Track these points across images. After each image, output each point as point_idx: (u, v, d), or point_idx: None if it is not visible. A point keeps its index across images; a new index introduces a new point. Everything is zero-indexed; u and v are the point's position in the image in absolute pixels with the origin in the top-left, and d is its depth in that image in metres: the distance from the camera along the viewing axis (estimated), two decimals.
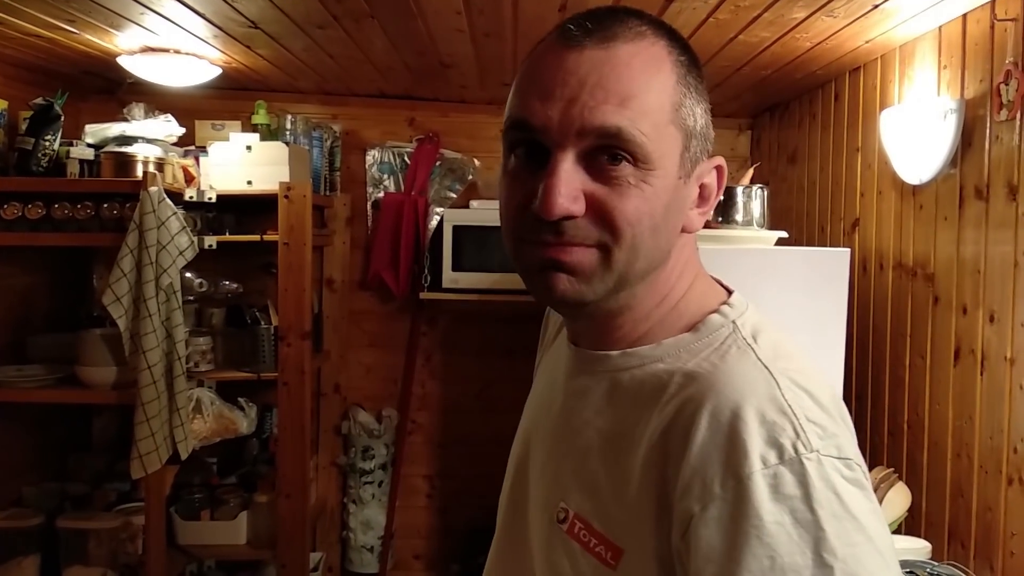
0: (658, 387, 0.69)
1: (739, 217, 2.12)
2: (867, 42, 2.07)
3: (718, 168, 0.75)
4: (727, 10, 1.85)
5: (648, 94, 0.67)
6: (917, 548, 1.71)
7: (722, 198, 2.14)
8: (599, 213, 0.67)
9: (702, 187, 0.74)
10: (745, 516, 0.59)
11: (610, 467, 0.70)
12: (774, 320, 0.76)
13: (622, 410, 0.71)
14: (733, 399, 0.63)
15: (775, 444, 0.60)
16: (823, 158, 2.59)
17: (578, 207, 0.67)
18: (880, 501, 1.80)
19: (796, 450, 0.60)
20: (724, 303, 0.74)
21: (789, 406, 0.62)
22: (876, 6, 1.77)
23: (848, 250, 2.03)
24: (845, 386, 2.03)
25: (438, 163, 3.17)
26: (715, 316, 0.73)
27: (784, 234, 2.13)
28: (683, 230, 0.73)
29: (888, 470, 1.84)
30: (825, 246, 2.48)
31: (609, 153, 0.67)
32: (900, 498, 1.79)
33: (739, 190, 2.14)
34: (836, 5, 1.77)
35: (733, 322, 0.72)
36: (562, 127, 0.67)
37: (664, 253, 0.72)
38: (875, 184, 2.23)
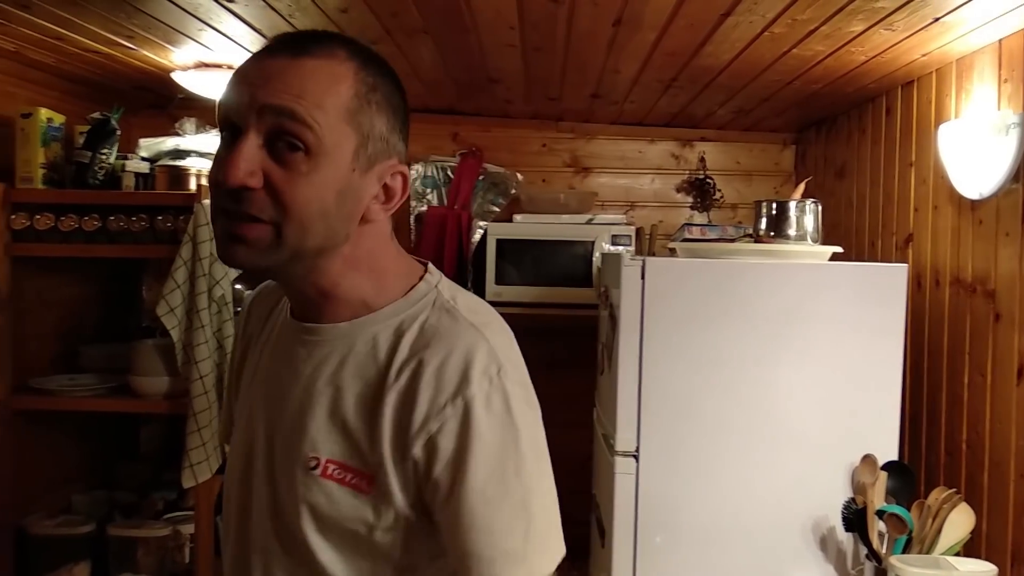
0: (392, 346, 0.87)
1: (792, 232, 2.10)
2: (923, 55, 2.05)
3: (402, 174, 0.89)
4: (783, 24, 1.84)
5: (324, 96, 0.81)
6: (983, 571, 1.67)
7: (774, 212, 2.15)
8: (274, 192, 0.80)
9: (385, 187, 0.88)
10: (469, 424, 0.82)
11: (361, 415, 0.86)
12: None
13: (362, 368, 0.87)
14: (457, 348, 0.85)
15: (487, 375, 0.84)
16: (873, 173, 2.56)
17: (255, 181, 0.79)
18: (943, 522, 1.76)
19: (500, 379, 0.85)
20: (423, 274, 0.93)
21: (493, 349, 0.86)
22: (937, 19, 1.75)
23: (905, 266, 2.00)
24: (902, 404, 1.99)
25: (481, 177, 3.18)
26: (420, 284, 0.92)
27: (839, 249, 2.11)
28: (364, 219, 0.87)
29: (950, 491, 1.80)
30: (876, 261, 2.45)
31: (288, 141, 0.80)
32: (964, 519, 1.75)
33: (791, 204, 2.12)
34: (896, 18, 1.75)
35: (436, 287, 0.92)
36: (247, 107, 0.80)
37: (339, 235, 0.85)
38: (930, 199, 2.20)
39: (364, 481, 0.85)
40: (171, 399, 2.38)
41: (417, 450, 0.83)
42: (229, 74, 2.70)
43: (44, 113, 2.40)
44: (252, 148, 0.79)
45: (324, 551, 0.87)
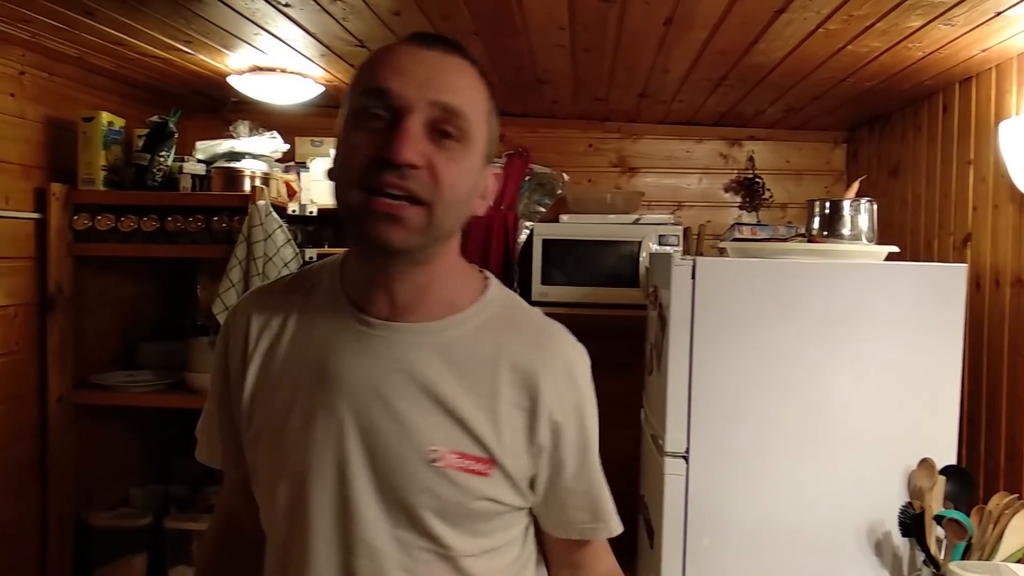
0: (495, 343, 0.95)
1: (846, 231, 2.07)
2: (983, 51, 2.00)
3: (495, 175, 0.97)
4: (839, 20, 1.81)
5: (475, 94, 0.91)
6: None
7: (828, 211, 2.12)
8: (432, 172, 0.86)
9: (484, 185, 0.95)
10: (584, 412, 0.98)
11: (477, 405, 0.92)
12: None
13: (467, 364, 0.93)
14: (561, 346, 0.99)
15: (587, 371, 1.00)
16: (929, 171, 2.51)
17: (422, 160, 0.85)
18: (1004, 528, 1.72)
19: (590, 373, 1.01)
20: (484, 274, 1.02)
21: (579, 346, 1.00)
22: (999, 13, 1.71)
23: (965, 266, 1.95)
24: (960, 407, 1.94)
25: (527, 178, 3.19)
26: (491, 285, 1.00)
27: (895, 249, 2.07)
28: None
29: (1012, 496, 1.76)
30: (933, 261, 2.40)
31: (443, 129, 0.87)
32: None
33: (846, 203, 2.08)
34: (956, 13, 1.72)
35: (501, 288, 1.01)
36: (415, 96, 0.86)
37: (461, 223, 0.93)
38: (990, 198, 2.15)
39: (483, 465, 0.92)
40: None
41: (544, 435, 0.94)
42: (283, 78, 2.71)
43: (105, 117, 2.47)
44: (418, 130, 0.85)
45: (451, 536, 0.92)
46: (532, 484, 0.97)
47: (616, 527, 1.04)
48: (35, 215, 2.38)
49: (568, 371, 0.97)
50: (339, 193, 0.89)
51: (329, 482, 0.92)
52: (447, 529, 0.92)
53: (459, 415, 0.92)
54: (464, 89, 0.89)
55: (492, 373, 0.93)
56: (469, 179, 0.90)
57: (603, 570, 1.07)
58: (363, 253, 0.94)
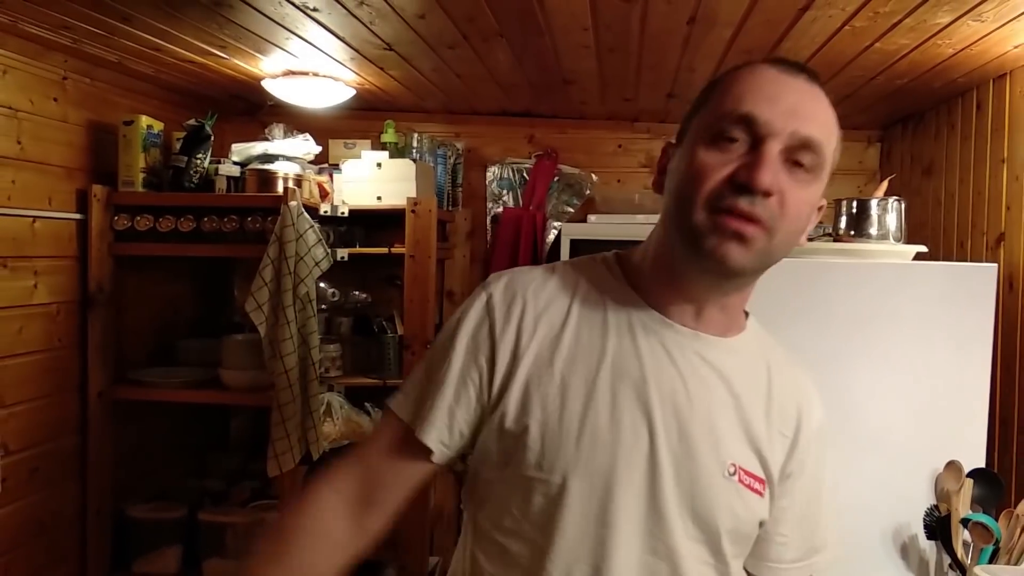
0: (767, 366, 0.99)
1: (873, 231, 2.04)
2: (1016, 47, 1.97)
3: (821, 208, 0.96)
4: (864, 17, 1.80)
5: (832, 131, 0.90)
6: None
7: (855, 210, 2.09)
8: (781, 200, 0.86)
9: None
10: (823, 447, 1.03)
11: (762, 423, 0.96)
12: None
13: (753, 382, 0.97)
14: (806, 379, 1.04)
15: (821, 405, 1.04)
16: (963, 170, 2.47)
17: (776, 188, 0.85)
18: None
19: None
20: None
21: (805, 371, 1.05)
22: None
23: (995, 266, 1.92)
24: (990, 409, 1.91)
25: (556, 178, 3.21)
26: (750, 316, 1.04)
27: (923, 248, 2.04)
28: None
29: None
30: (965, 261, 2.36)
31: (798, 159, 0.87)
32: None
33: (873, 203, 2.06)
34: (985, 8, 1.69)
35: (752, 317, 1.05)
36: (780, 127, 0.86)
37: (788, 253, 0.91)
38: (1023, 197, 2.11)
39: (760, 484, 0.95)
40: (257, 392, 2.49)
41: (796, 460, 0.99)
42: (315, 81, 2.76)
43: (144, 120, 2.55)
44: (777, 159, 0.86)
45: (732, 555, 0.95)
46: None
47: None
48: (77, 216, 2.47)
49: (815, 398, 1.02)
50: (680, 208, 0.88)
51: (638, 483, 0.90)
52: (733, 551, 0.95)
53: (751, 431, 0.95)
54: (825, 123, 0.89)
55: (768, 392, 0.97)
56: (809, 209, 0.90)
57: None
58: (696, 268, 0.90)
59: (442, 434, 0.95)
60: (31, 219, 2.28)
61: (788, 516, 1.00)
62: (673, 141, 0.97)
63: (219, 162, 2.63)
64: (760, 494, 0.95)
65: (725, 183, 0.85)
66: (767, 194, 0.84)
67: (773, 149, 0.85)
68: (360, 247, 2.80)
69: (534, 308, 0.95)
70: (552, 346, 0.93)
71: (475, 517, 0.99)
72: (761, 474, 0.95)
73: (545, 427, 0.91)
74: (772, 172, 0.84)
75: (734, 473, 0.92)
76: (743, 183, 0.84)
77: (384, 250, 2.74)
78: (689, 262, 0.90)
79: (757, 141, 0.86)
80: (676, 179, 0.91)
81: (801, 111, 0.87)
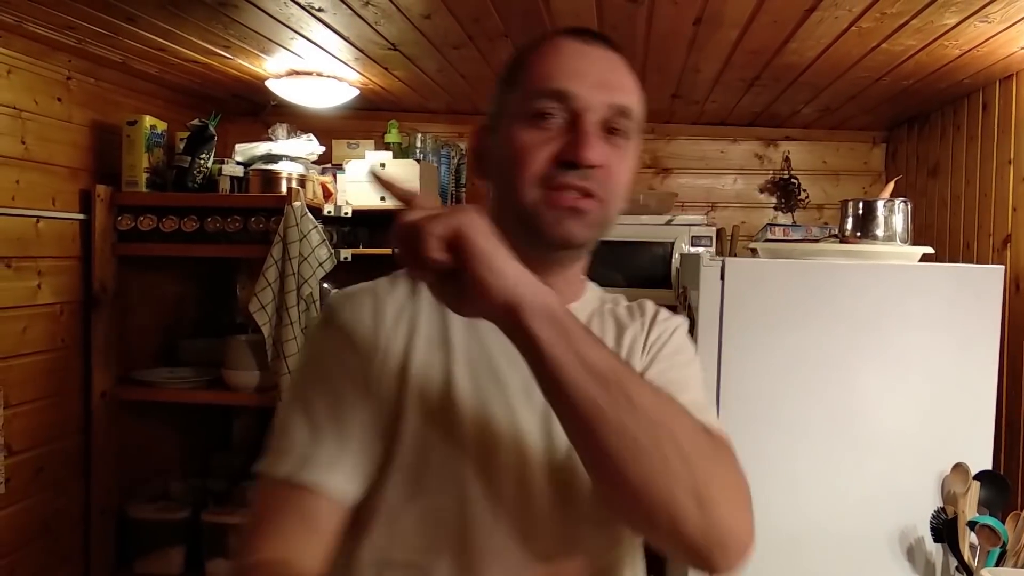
0: (608, 318, 0.99)
1: (880, 232, 2.04)
2: (1022, 48, 1.96)
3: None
4: (871, 18, 1.79)
5: (637, 89, 0.92)
6: None
7: (861, 211, 2.08)
8: (607, 170, 0.88)
9: None
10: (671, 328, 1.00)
11: None
12: None
13: (598, 334, 0.93)
14: (644, 302, 1.02)
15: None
16: (969, 171, 2.46)
17: (602, 160, 0.87)
18: None
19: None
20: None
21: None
22: None
23: (1002, 267, 1.92)
24: (996, 411, 1.90)
25: None
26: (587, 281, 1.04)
27: (930, 250, 2.04)
28: None
29: None
30: (971, 263, 2.35)
31: (613, 127, 0.88)
32: None
33: (879, 204, 2.06)
34: (992, 10, 1.69)
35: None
36: (595, 99, 0.87)
37: (620, 210, 0.94)
38: None
39: None
40: (261, 392, 2.49)
41: (655, 368, 0.98)
42: (319, 81, 2.76)
43: (148, 121, 2.54)
44: (597, 131, 0.87)
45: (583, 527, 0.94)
46: None
47: None
48: (80, 216, 2.46)
49: (664, 315, 1.02)
50: (511, 189, 0.89)
51: (507, 489, 0.88)
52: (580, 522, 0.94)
53: None
54: (632, 88, 0.91)
55: (616, 337, 0.97)
56: (630, 174, 0.93)
57: None
58: (535, 246, 0.88)
59: (316, 471, 0.90)
60: (35, 219, 2.27)
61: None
62: (486, 125, 0.96)
63: (223, 162, 2.62)
64: None
65: (552, 161, 0.87)
66: (595, 167, 0.87)
67: (592, 122, 0.87)
68: (364, 248, 2.79)
69: (391, 317, 0.94)
70: (411, 354, 0.91)
71: None
72: None
73: (429, 433, 0.91)
74: (596, 146, 0.86)
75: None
76: (571, 161, 0.86)
77: (388, 251, 2.74)
78: (528, 242, 0.87)
79: (574, 116, 0.87)
80: (501, 162, 0.91)
81: (611, 81, 0.89)
